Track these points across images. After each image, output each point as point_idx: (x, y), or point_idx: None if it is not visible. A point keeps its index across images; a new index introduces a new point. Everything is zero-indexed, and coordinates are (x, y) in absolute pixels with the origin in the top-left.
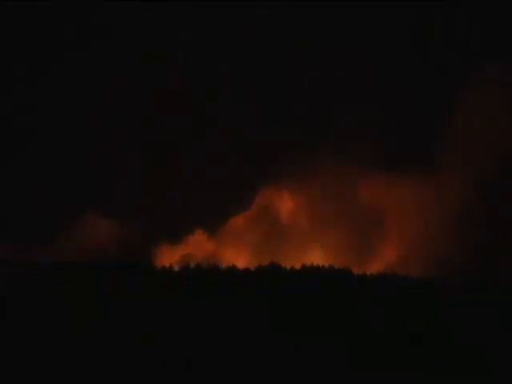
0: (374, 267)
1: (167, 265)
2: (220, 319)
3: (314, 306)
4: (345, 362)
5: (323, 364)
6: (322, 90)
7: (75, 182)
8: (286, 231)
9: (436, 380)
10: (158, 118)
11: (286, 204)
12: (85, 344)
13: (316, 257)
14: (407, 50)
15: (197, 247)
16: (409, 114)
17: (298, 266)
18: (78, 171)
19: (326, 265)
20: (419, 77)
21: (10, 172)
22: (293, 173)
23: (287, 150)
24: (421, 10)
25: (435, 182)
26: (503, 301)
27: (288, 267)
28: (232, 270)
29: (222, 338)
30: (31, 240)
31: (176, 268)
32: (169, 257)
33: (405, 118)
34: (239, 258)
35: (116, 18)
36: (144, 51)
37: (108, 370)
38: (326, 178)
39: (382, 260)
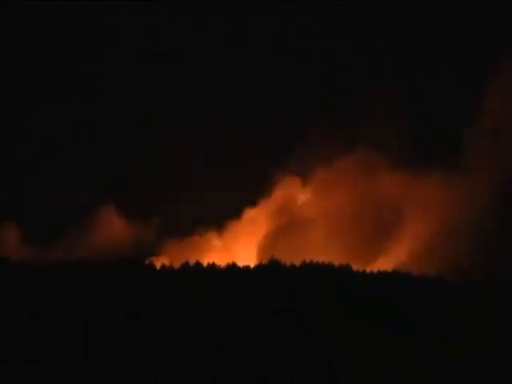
0: (384, 264)
1: (167, 263)
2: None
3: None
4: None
5: None
6: (349, 81)
7: (88, 181)
8: (300, 225)
9: None
10: (168, 114)
11: (302, 196)
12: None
13: (329, 252)
14: (433, 46)
15: (207, 243)
16: (437, 111)
17: (298, 262)
18: (91, 170)
19: (326, 262)
20: (448, 75)
21: (24, 171)
22: (313, 163)
23: (309, 138)
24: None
25: (459, 181)
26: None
27: (288, 264)
28: (232, 268)
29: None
30: (44, 238)
31: (176, 266)
32: (178, 253)
33: (433, 114)
34: (250, 253)
35: (117, 20)
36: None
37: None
38: (348, 168)
39: (393, 257)
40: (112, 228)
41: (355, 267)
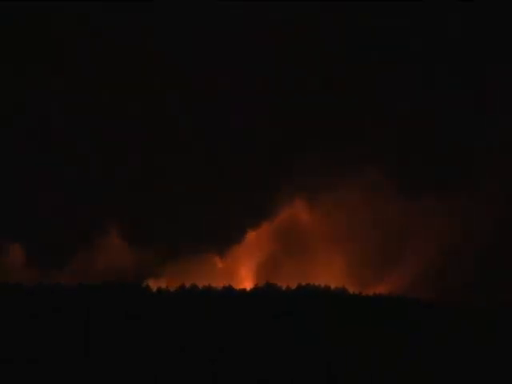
0: (382, 288)
1: (164, 286)
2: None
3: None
4: None
5: None
6: (352, 102)
7: (91, 205)
8: (302, 248)
9: None
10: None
11: (301, 219)
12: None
13: (330, 275)
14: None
15: (208, 265)
16: (438, 136)
17: (294, 285)
18: (92, 194)
19: (322, 285)
20: (446, 97)
21: (28, 194)
22: (313, 187)
23: (309, 163)
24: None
25: (460, 207)
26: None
27: (284, 287)
28: (228, 291)
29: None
30: (48, 262)
31: (172, 289)
32: (177, 276)
33: (435, 139)
34: (249, 276)
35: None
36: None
37: None
38: (351, 191)
39: (391, 281)
40: (113, 251)
41: (352, 290)
